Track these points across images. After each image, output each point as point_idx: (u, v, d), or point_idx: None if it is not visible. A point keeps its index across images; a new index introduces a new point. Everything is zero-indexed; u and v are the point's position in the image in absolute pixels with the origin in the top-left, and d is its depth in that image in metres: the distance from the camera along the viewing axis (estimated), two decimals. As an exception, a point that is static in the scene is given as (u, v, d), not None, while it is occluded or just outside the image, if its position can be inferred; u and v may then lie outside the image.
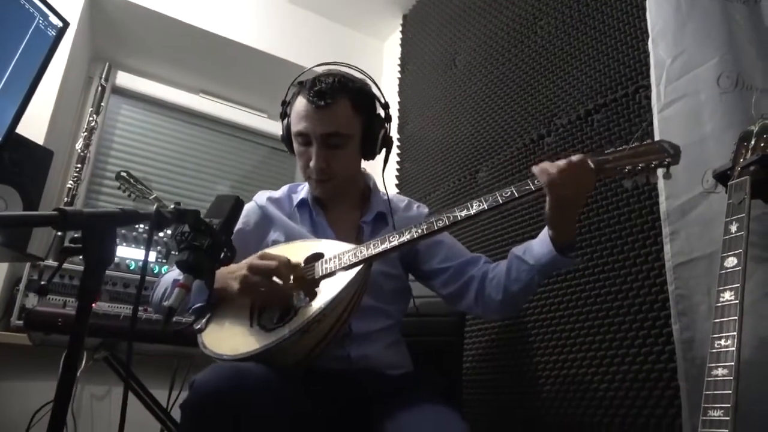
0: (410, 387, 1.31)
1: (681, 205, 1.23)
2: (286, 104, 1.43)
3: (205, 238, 0.95)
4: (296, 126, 1.35)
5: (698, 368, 1.10)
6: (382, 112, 1.40)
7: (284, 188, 1.55)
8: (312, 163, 1.34)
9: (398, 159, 2.69)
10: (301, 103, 1.34)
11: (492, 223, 1.92)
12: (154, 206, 0.79)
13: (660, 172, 1.11)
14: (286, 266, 1.18)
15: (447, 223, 1.19)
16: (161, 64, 3.04)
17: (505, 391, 1.70)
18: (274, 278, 1.17)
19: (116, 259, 2.18)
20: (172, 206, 0.91)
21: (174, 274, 1.37)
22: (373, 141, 1.38)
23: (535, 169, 1.15)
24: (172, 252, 2.33)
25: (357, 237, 1.41)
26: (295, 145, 1.39)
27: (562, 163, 1.12)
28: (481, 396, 1.76)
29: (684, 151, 1.15)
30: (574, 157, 1.13)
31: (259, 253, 1.22)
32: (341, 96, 1.32)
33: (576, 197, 1.15)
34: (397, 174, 2.66)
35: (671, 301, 1.20)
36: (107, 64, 2.83)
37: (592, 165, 1.14)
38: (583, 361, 1.48)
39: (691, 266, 1.19)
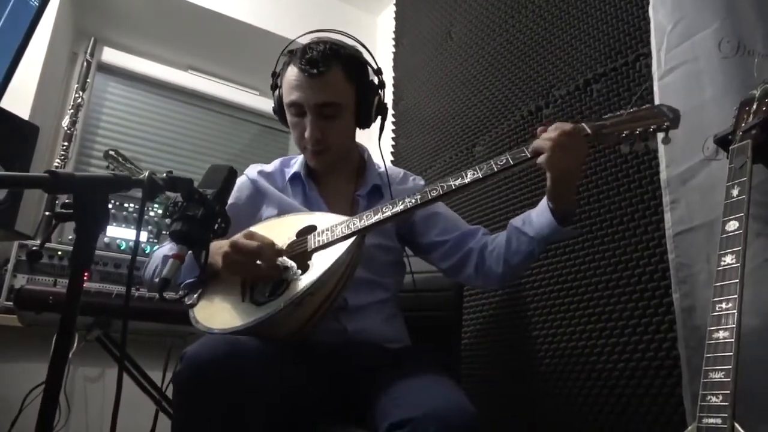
0: (408, 360, 1.32)
1: (681, 173, 1.23)
2: (277, 75, 1.42)
3: (199, 208, 0.95)
4: (288, 96, 1.34)
5: (698, 336, 1.11)
6: (375, 79, 1.40)
7: (276, 162, 1.55)
8: (307, 134, 1.34)
9: (393, 135, 2.68)
10: (292, 73, 1.33)
11: (489, 193, 1.92)
12: (147, 173, 0.79)
13: (659, 137, 1.12)
14: (269, 248, 1.18)
15: (441, 192, 1.19)
16: (148, 39, 3.02)
17: (504, 365, 1.72)
18: (258, 261, 1.17)
19: (106, 239, 2.18)
20: (164, 174, 0.90)
21: (165, 249, 1.37)
22: (368, 108, 1.38)
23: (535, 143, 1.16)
24: (163, 232, 2.33)
25: (352, 211, 1.41)
26: (288, 117, 1.38)
27: (553, 134, 1.13)
28: (480, 371, 1.78)
29: (684, 118, 1.15)
30: (566, 126, 1.14)
31: (245, 231, 1.22)
32: (333, 63, 1.31)
33: (572, 168, 1.16)
34: (392, 150, 2.66)
35: (671, 270, 1.21)
36: (92, 39, 2.80)
37: (589, 131, 1.14)
38: (582, 333, 1.50)
39: (691, 234, 1.20)
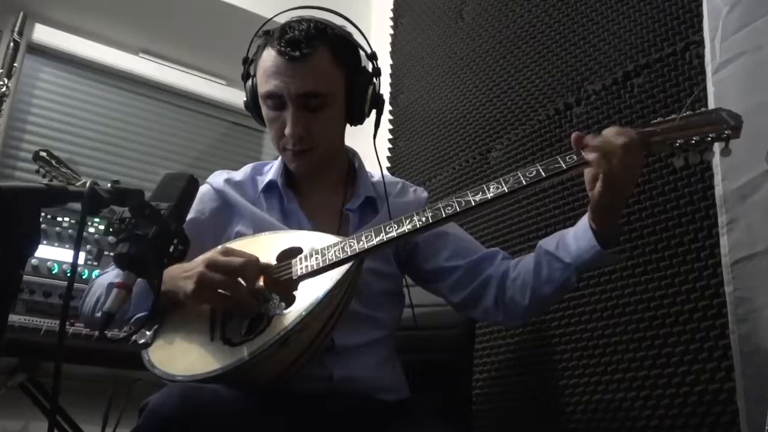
0: (407, 414, 1.32)
1: (740, 188, 1.25)
2: (249, 61, 1.43)
3: (151, 226, 0.96)
4: (265, 86, 1.35)
5: (761, 386, 1.12)
6: (368, 65, 1.42)
7: (246, 168, 1.56)
8: (287, 130, 1.34)
9: (390, 136, 2.70)
10: (269, 57, 1.34)
11: (507, 208, 1.94)
12: (88, 182, 0.80)
13: (717, 147, 1.13)
14: (254, 265, 1.19)
15: (458, 209, 1.20)
16: (90, 15, 3.03)
17: (524, 421, 1.72)
18: (239, 279, 1.17)
19: (34, 260, 2.18)
20: (109, 185, 0.91)
21: (109, 276, 1.38)
22: (360, 100, 1.39)
23: (590, 140, 1.16)
24: (105, 252, 2.34)
25: (340, 228, 1.42)
26: (264, 111, 1.39)
27: (609, 138, 1.14)
28: (494, 427, 1.78)
29: (744, 122, 1.17)
30: (627, 131, 1.15)
31: (220, 247, 1.23)
32: (319, 44, 1.32)
33: (629, 182, 1.17)
34: (389, 155, 2.68)
35: (728, 306, 1.22)
36: (21, 14, 2.82)
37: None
38: (621, 383, 1.51)
39: (752, 262, 1.21)
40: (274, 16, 1.46)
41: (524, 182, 1.19)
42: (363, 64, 1.41)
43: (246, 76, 1.44)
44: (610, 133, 1.16)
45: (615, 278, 1.58)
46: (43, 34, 2.96)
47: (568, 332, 1.66)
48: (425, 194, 1.59)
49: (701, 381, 1.35)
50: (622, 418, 1.49)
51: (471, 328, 1.67)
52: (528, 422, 1.71)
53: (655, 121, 1.18)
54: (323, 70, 1.33)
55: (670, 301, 1.45)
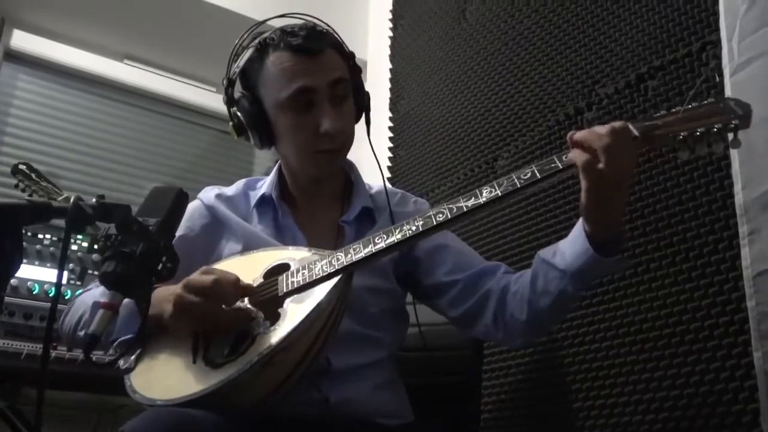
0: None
1: (762, 195, 1.26)
2: (242, 73, 1.43)
3: (138, 243, 0.97)
4: (291, 86, 1.35)
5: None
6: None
7: (239, 184, 1.58)
8: (327, 126, 1.36)
9: (390, 145, 2.72)
10: (283, 59, 1.37)
11: (513, 216, 1.95)
12: (72, 198, 0.81)
13: (728, 138, 1.13)
14: (233, 285, 1.20)
15: (449, 216, 1.21)
16: (71, 20, 3.05)
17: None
18: (215, 299, 1.19)
19: (14, 281, 2.19)
20: (94, 200, 0.92)
21: (93, 294, 1.39)
22: (362, 95, 1.47)
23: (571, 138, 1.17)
24: (89, 271, 2.35)
25: (337, 242, 1.44)
26: (288, 118, 1.39)
27: (596, 132, 1.13)
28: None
29: (765, 126, 1.18)
30: (612, 124, 1.14)
31: (203, 268, 1.24)
32: (323, 41, 1.40)
33: (619, 178, 1.15)
34: (390, 165, 2.69)
35: (751, 321, 1.23)
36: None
37: (636, 133, 1.15)
38: (638, 405, 1.51)
39: (776, 275, 1.22)
40: (261, 23, 1.47)
41: (518, 184, 1.18)
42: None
43: (246, 87, 1.44)
44: (598, 126, 1.16)
45: (630, 293, 1.58)
46: (21, 40, 2.98)
47: (582, 351, 1.66)
48: (427, 205, 1.60)
49: (723, 402, 1.35)
50: (640, 442, 1.49)
51: (479, 347, 1.67)
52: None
53: (658, 114, 1.18)
54: (338, 61, 1.41)
55: (689, 317, 1.45)
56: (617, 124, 1.14)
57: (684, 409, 1.42)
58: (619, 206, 1.21)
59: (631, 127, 1.16)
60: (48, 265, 2.29)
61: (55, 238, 2.31)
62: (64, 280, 2.31)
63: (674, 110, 1.17)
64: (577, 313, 1.68)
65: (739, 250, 1.29)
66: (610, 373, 1.59)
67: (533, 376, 1.79)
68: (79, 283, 2.33)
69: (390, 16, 2.97)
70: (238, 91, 1.45)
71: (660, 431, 1.46)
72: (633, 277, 1.57)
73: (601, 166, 1.11)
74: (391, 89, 2.80)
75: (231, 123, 1.45)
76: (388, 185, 1.56)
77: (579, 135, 1.15)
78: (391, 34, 2.93)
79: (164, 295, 1.21)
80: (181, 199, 1.05)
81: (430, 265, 1.47)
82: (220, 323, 1.20)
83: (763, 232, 1.26)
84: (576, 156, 1.14)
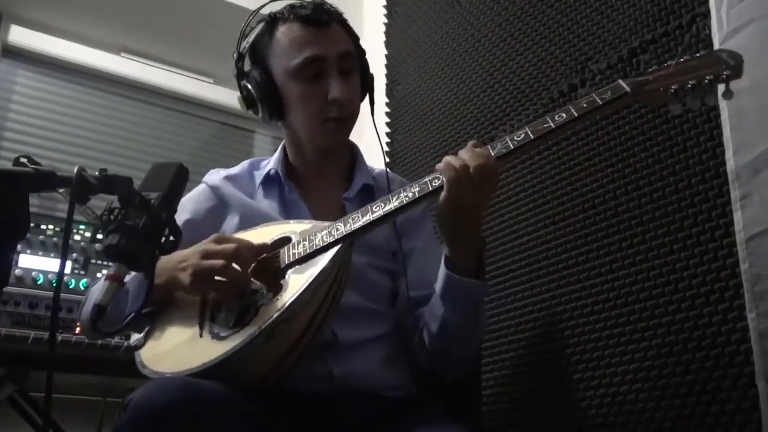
0: (414, 412, 1.35)
1: (753, 161, 1.27)
2: (251, 47, 1.47)
3: (141, 216, 0.99)
4: (301, 55, 1.39)
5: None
6: None
7: (244, 164, 1.61)
8: (336, 94, 1.39)
9: (388, 130, 2.73)
10: (293, 30, 1.41)
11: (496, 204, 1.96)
12: (75, 168, 0.83)
13: (719, 90, 1.15)
14: (248, 249, 1.23)
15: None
16: (68, 14, 3.06)
17: (539, 418, 1.74)
18: (234, 264, 1.21)
19: (18, 271, 2.21)
20: (97, 172, 0.94)
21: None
22: (368, 75, 1.51)
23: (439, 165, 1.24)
24: (92, 261, 2.36)
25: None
26: (297, 87, 1.42)
27: (462, 161, 1.19)
28: (506, 423, 1.81)
29: (756, 91, 1.20)
30: (480, 157, 1.20)
31: (214, 236, 1.26)
32: (330, 16, 1.44)
33: (477, 207, 1.25)
34: (388, 150, 2.69)
35: (745, 284, 1.24)
36: (-3, 15, 2.85)
37: (627, 88, 1.20)
38: (637, 373, 1.52)
39: (768, 237, 1.23)
40: (260, 8, 1.50)
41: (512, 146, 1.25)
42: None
43: (255, 60, 1.48)
44: (465, 151, 1.23)
45: (627, 264, 1.59)
46: (19, 35, 2.99)
47: (581, 323, 1.68)
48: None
49: (720, 366, 1.37)
50: (639, 410, 1.50)
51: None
52: (543, 419, 1.73)
53: (650, 70, 1.20)
54: (345, 35, 1.46)
55: (685, 285, 1.46)
56: (483, 154, 1.22)
57: (682, 375, 1.43)
58: (474, 225, 1.29)
59: (622, 83, 1.21)
60: (52, 255, 2.31)
61: (57, 229, 2.33)
62: (68, 270, 2.33)
63: (666, 64, 1.18)
64: (575, 286, 1.69)
65: (731, 216, 1.30)
66: (609, 343, 1.60)
67: (534, 350, 1.79)
68: (83, 272, 2.35)
69: (384, 2, 2.97)
70: (248, 64, 1.48)
71: (659, 398, 1.47)
72: (629, 247, 1.59)
73: (464, 197, 1.21)
74: (387, 75, 2.80)
75: (240, 95, 1.48)
76: (382, 170, 1.59)
77: (450, 158, 1.23)
78: (385, 20, 2.94)
79: (173, 266, 1.24)
80: (182, 173, 1.07)
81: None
82: (233, 290, 1.23)
83: (755, 196, 1.27)
84: (449, 177, 1.21)
